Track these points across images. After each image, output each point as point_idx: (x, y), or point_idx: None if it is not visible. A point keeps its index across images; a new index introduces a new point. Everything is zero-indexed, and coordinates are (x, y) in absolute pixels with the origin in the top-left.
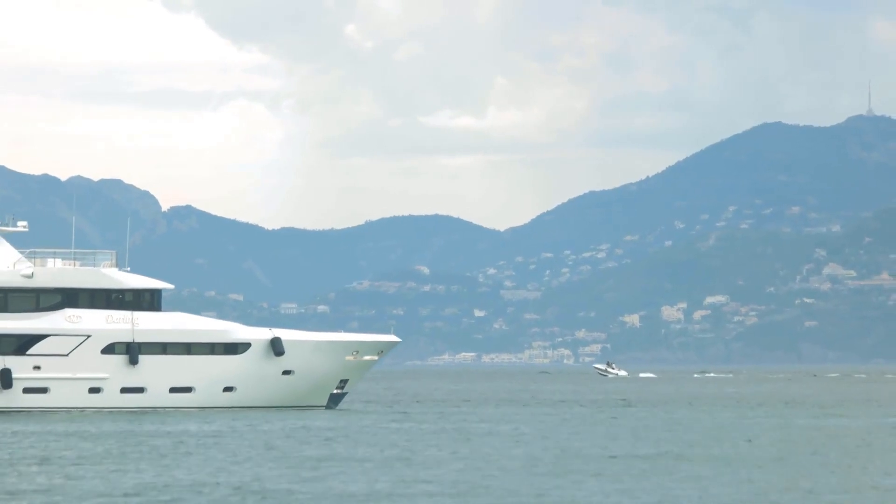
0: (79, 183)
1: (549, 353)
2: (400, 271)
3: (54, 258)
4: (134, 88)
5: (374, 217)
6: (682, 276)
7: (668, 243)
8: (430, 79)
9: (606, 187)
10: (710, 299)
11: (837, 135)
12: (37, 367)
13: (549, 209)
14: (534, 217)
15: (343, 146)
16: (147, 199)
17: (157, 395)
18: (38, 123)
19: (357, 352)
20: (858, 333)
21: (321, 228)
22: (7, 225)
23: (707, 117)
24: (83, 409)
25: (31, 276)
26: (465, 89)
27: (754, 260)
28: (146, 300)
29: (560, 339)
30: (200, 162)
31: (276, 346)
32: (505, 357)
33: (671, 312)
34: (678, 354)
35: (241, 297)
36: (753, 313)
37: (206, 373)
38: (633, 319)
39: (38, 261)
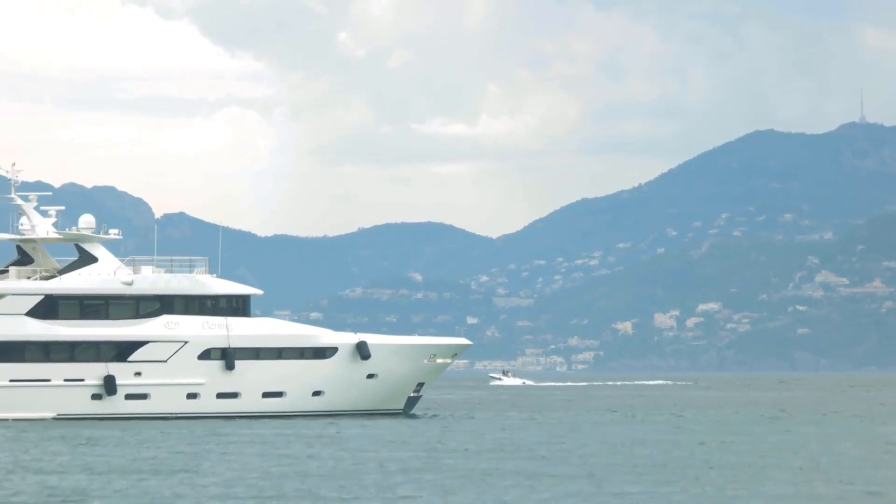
0: (72, 190)
1: (542, 360)
2: (393, 278)
3: (151, 265)
4: (127, 95)
5: (367, 224)
6: (675, 284)
7: (661, 250)
8: (422, 86)
9: (599, 194)
10: (702, 307)
11: (830, 142)
12: (137, 374)
13: (541, 216)
14: (526, 224)
15: (335, 153)
16: (140, 206)
17: (250, 401)
18: (30, 130)
19: (434, 355)
20: (851, 341)
21: (314, 235)
22: (100, 233)
23: (699, 124)
24: (179, 415)
25: (131, 284)
26: (458, 96)
27: (747, 267)
28: (237, 306)
29: (553, 347)
30: (193, 169)
31: (363, 351)
32: (497, 364)
33: (664, 320)
34: (671, 362)
35: None
36: (746, 321)
37: (296, 377)
38: (626, 327)
39: (134, 268)
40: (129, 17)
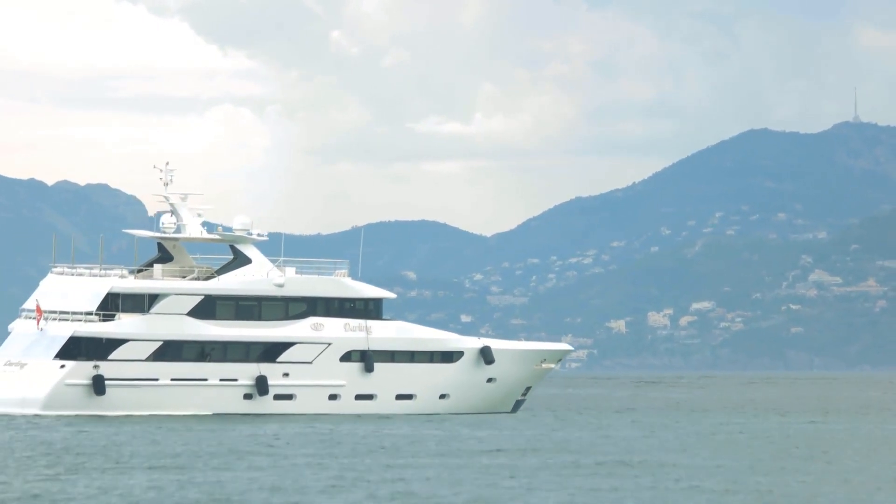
0: (65, 188)
1: None
2: (387, 277)
3: (294, 267)
4: (120, 93)
5: (361, 223)
6: (669, 283)
7: (655, 249)
8: (416, 85)
9: (593, 193)
10: (696, 305)
11: (824, 141)
12: (285, 375)
13: (535, 215)
14: (520, 223)
15: (330, 152)
16: (134, 204)
17: (385, 402)
18: (24, 128)
19: (544, 360)
20: (844, 340)
21: (308, 234)
22: (249, 235)
23: (693, 124)
24: (321, 415)
25: (282, 286)
26: (452, 96)
27: (740, 266)
28: (373, 308)
29: None
30: (187, 167)
31: (487, 355)
32: None
33: (657, 318)
34: (664, 360)
35: None
36: (739, 319)
37: (426, 380)
38: (620, 325)
39: (280, 269)
40: (122, 15)
